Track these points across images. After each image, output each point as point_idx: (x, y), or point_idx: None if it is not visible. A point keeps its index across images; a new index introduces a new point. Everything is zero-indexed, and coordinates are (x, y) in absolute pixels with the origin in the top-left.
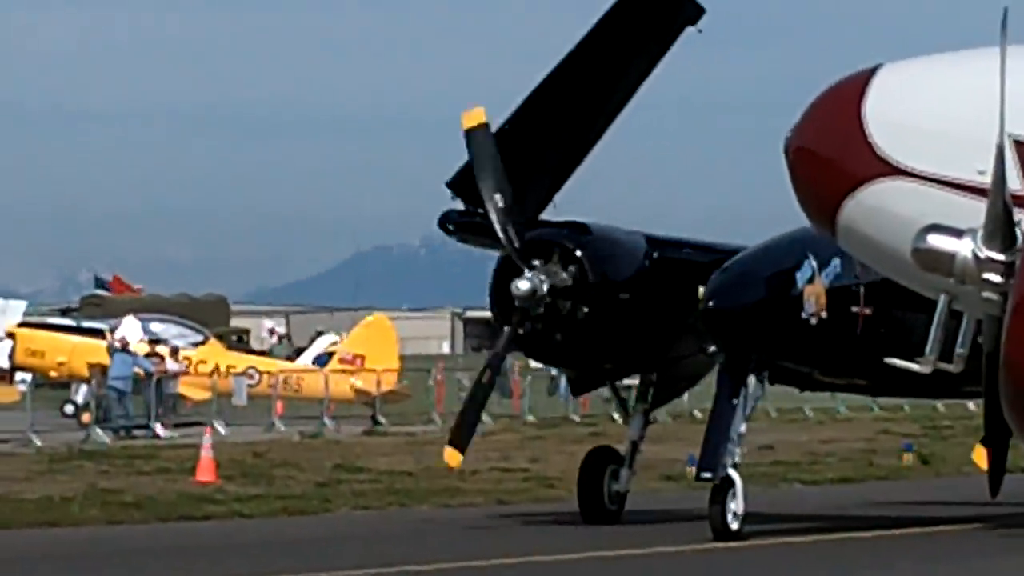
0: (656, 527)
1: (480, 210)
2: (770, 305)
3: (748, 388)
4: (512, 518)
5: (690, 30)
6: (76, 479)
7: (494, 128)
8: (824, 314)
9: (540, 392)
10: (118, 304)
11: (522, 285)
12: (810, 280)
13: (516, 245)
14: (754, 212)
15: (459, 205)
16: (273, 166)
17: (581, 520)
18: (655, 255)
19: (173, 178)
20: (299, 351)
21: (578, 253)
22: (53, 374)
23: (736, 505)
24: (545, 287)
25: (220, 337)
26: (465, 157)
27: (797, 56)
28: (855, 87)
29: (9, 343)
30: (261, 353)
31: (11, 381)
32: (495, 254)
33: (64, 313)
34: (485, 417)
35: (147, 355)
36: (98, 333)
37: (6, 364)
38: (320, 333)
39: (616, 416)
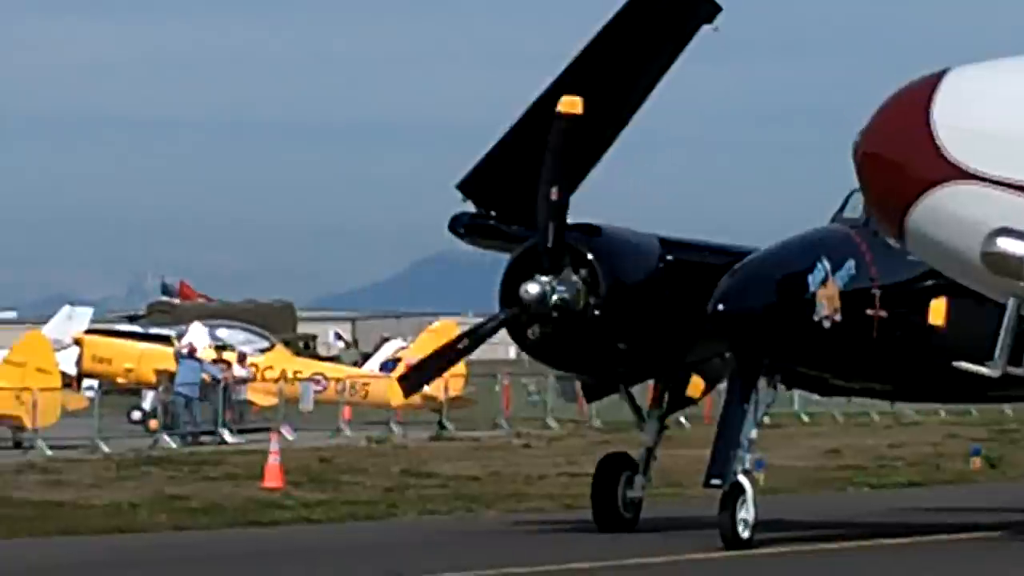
0: (671, 535)
1: (492, 212)
2: (781, 308)
3: (759, 393)
4: (530, 525)
5: (706, 28)
6: (143, 485)
7: (504, 128)
8: (838, 317)
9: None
10: (185, 311)
11: (531, 289)
12: (823, 282)
13: (549, 244)
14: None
15: (470, 207)
16: (337, 174)
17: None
18: (669, 257)
19: (239, 185)
20: (365, 357)
21: (589, 256)
22: (120, 381)
23: (747, 513)
24: (555, 291)
25: (287, 343)
26: (475, 159)
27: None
28: (923, 92)
29: (76, 350)
30: (327, 359)
31: (79, 388)
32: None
33: (131, 320)
34: (552, 422)
35: (214, 361)
36: (165, 340)
37: (73, 371)
38: (386, 339)
39: (683, 421)
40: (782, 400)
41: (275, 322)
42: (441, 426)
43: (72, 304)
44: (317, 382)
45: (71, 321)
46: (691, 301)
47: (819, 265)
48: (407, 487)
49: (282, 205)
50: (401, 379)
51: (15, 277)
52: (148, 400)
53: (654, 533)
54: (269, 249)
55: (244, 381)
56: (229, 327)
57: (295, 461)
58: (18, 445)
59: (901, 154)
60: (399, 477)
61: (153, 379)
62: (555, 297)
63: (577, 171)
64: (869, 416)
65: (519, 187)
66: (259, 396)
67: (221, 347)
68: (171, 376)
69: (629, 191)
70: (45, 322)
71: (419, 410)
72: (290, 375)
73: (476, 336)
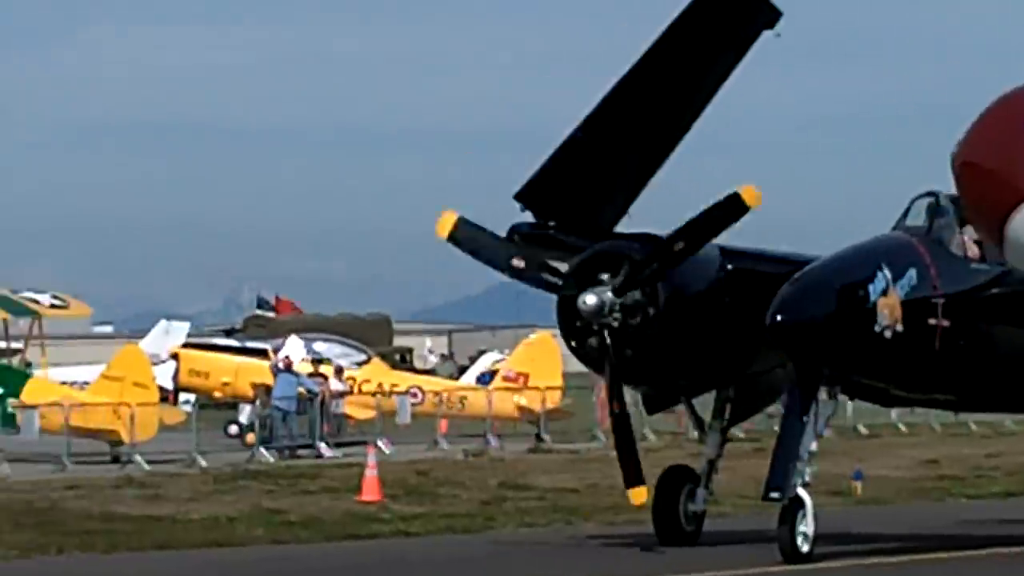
0: (735, 548)
1: (550, 222)
2: (841, 318)
3: (819, 405)
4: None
5: (767, 34)
6: (241, 499)
7: (565, 135)
8: (899, 327)
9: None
10: (281, 324)
11: (589, 300)
12: (884, 292)
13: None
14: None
15: (529, 217)
16: (431, 183)
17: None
18: (729, 267)
19: (333, 197)
20: (462, 369)
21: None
22: (217, 395)
23: (806, 527)
24: (614, 302)
25: (383, 356)
26: (533, 168)
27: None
28: (1019, 104)
29: (173, 364)
30: (424, 372)
31: (176, 402)
32: None
33: (228, 334)
34: (649, 434)
35: (311, 375)
36: (262, 353)
37: (170, 385)
38: (483, 351)
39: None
40: (879, 410)
41: (371, 335)
42: (539, 438)
43: (168, 318)
44: (414, 395)
45: (168, 335)
46: (752, 311)
47: (880, 274)
48: (504, 500)
49: (379, 215)
50: (628, 483)
51: (111, 291)
52: (245, 414)
53: (722, 546)
54: (366, 261)
55: (341, 394)
56: (326, 340)
57: (392, 474)
58: (116, 460)
59: (1001, 163)
60: (496, 490)
61: (250, 393)
62: (615, 308)
63: (636, 184)
64: (967, 426)
65: (578, 196)
66: (356, 409)
67: (318, 360)
68: (268, 390)
69: (692, 196)
70: (142, 336)
71: (516, 423)
72: (387, 388)
73: (615, 393)
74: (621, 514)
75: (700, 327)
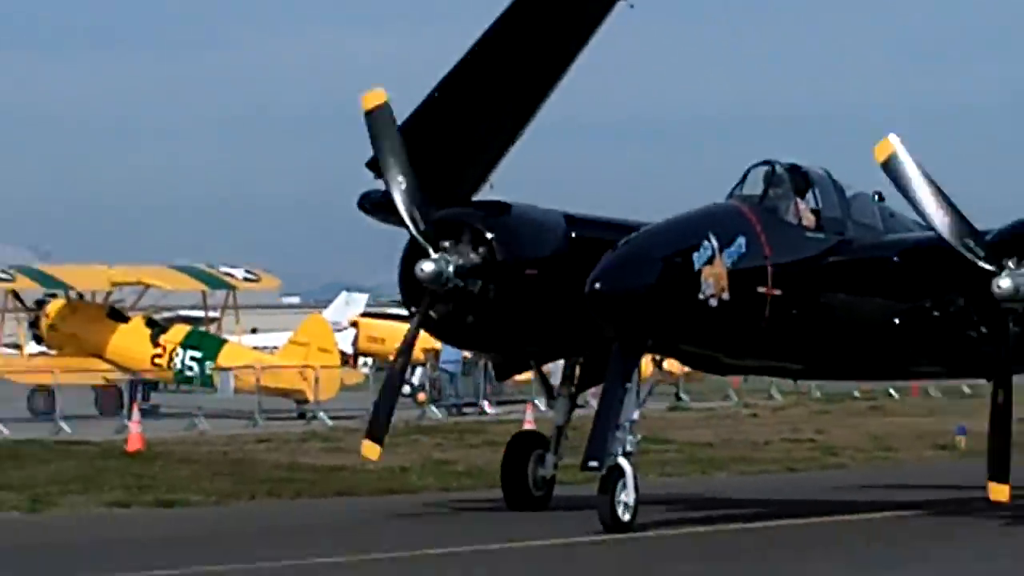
0: (573, 516)
1: None
2: (663, 287)
3: (641, 374)
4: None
5: (622, 5)
6: (413, 451)
7: (416, 104)
8: (726, 295)
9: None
10: None
11: (427, 267)
12: (709, 260)
13: (420, 227)
14: None
15: (381, 185)
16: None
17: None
18: (573, 234)
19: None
20: None
21: (488, 234)
22: (391, 358)
23: (627, 496)
24: (451, 268)
25: None
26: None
27: None
28: None
29: (353, 332)
30: None
31: (355, 365)
32: None
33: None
34: (776, 393)
35: None
36: None
37: (350, 350)
38: None
39: (892, 392)
40: None
41: None
42: (677, 397)
43: (349, 290)
44: None
45: (348, 306)
46: None
47: (706, 242)
48: (647, 452)
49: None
50: (369, 436)
51: (299, 266)
52: (417, 376)
53: (562, 512)
54: None
55: None
56: None
57: (547, 429)
58: (302, 416)
59: None
60: (640, 443)
61: (421, 357)
62: (451, 272)
63: (495, 152)
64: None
65: (430, 164)
66: None
67: None
68: (437, 354)
69: None
70: (325, 307)
71: (657, 383)
72: None
73: (406, 349)
74: (752, 465)
75: (541, 294)
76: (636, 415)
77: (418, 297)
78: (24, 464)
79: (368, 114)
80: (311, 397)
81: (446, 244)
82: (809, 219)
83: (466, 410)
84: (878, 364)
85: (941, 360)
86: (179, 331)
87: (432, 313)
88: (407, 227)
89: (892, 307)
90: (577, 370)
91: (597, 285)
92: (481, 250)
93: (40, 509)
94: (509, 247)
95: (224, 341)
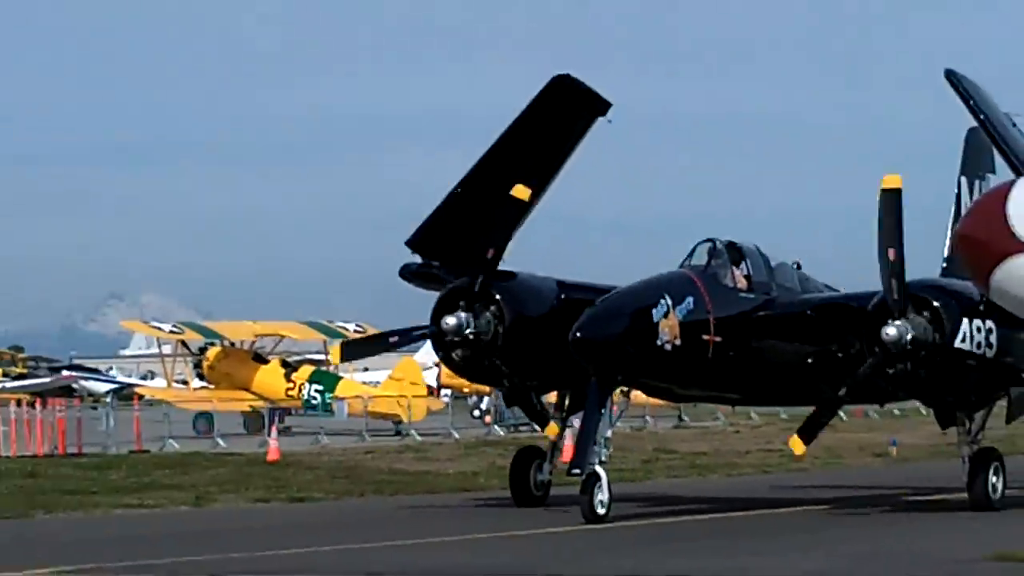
0: (564, 511)
1: (435, 263)
2: (629, 335)
3: (612, 401)
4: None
5: (601, 120)
6: (482, 460)
7: (446, 192)
8: (678, 342)
9: None
10: None
11: (449, 320)
12: (665, 314)
13: (475, 288)
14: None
15: (417, 259)
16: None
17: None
18: (563, 296)
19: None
20: None
21: (498, 296)
22: (466, 390)
23: (602, 495)
24: (470, 322)
25: None
26: (423, 217)
27: None
28: (1001, 193)
29: (436, 370)
30: None
31: (438, 395)
32: None
33: None
34: (755, 416)
35: None
36: None
37: (435, 384)
38: None
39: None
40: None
41: None
42: (680, 418)
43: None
44: None
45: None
46: None
47: (662, 301)
48: (657, 459)
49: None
50: (343, 345)
51: (399, 323)
52: (485, 403)
53: (558, 508)
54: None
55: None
56: None
57: None
58: (398, 433)
59: (986, 234)
60: (652, 453)
61: (487, 388)
62: (470, 327)
63: (508, 228)
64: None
65: (456, 243)
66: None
67: None
68: None
69: None
70: (416, 352)
71: (665, 407)
72: None
73: (406, 335)
74: (736, 469)
75: (539, 342)
76: (609, 433)
77: (444, 343)
78: (190, 471)
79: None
80: (405, 419)
81: (462, 303)
82: (742, 283)
83: (522, 428)
84: (796, 393)
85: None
86: (306, 370)
87: (454, 355)
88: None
89: (806, 350)
90: (567, 400)
91: (579, 333)
92: (492, 308)
93: (202, 504)
94: (514, 306)
95: (340, 378)
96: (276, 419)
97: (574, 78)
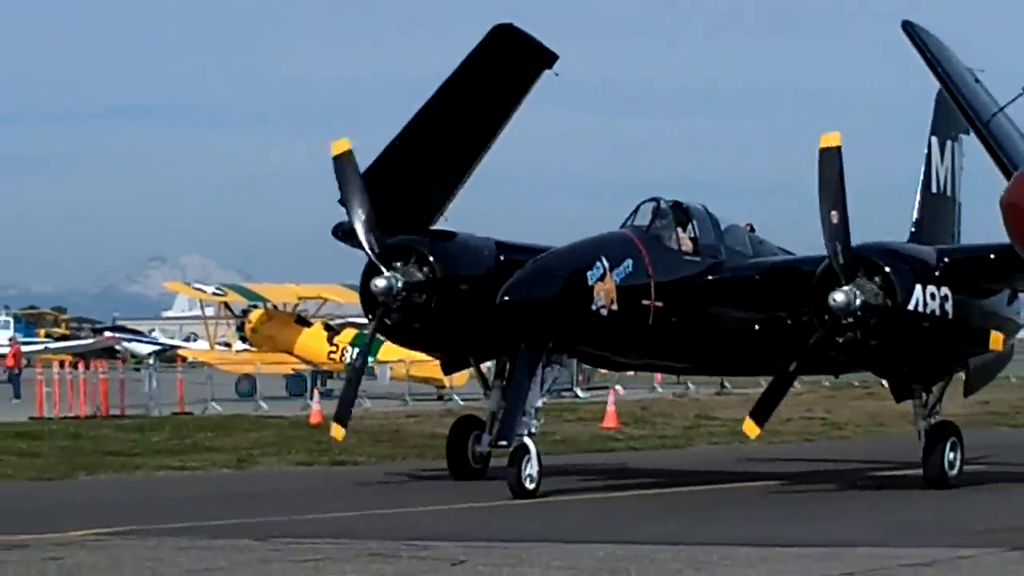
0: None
1: None
2: (561, 299)
3: (544, 369)
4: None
5: (547, 73)
6: None
7: (382, 147)
8: (615, 306)
9: None
10: None
11: (379, 283)
12: (601, 278)
13: (376, 251)
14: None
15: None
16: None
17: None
18: (502, 257)
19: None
20: None
21: (430, 257)
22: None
23: (531, 468)
24: (400, 284)
25: None
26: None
27: None
28: None
29: None
30: None
31: None
32: None
33: None
34: (796, 384)
35: None
36: None
37: None
38: None
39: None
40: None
41: None
42: (722, 385)
43: None
44: None
45: None
46: None
47: (598, 263)
48: (699, 426)
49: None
50: (336, 419)
51: None
52: None
53: (494, 482)
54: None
55: None
56: None
57: (625, 409)
58: (440, 398)
59: None
60: (694, 419)
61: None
62: (399, 287)
63: (446, 190)
64: (1008, 379)
65: (391, 201)
66: None
67: None
68: None
69: None
70: None
71: (556, 379)
72: None
73: (365, 351)
74: (777, 436)
75: (475, 305)
76: (540, 403)
77: (375, 307)
78: (232, 433)
79: (335, 160)
80: (447, 384)
81: (397, 264)
82: (688, 245)
83: (564, 394)
84: (744, 362)
85: (792, 358)
86: (349, 334)
87: (386, 320)
88: (366, 251)
89: (753, 317)
90: (507, 367)
91: (507, 296)
92: (425, 269)
93: (244, 467)
94: (448, 267)
95: (383, 341)
96: (319, 382)
97: (517, 28)
